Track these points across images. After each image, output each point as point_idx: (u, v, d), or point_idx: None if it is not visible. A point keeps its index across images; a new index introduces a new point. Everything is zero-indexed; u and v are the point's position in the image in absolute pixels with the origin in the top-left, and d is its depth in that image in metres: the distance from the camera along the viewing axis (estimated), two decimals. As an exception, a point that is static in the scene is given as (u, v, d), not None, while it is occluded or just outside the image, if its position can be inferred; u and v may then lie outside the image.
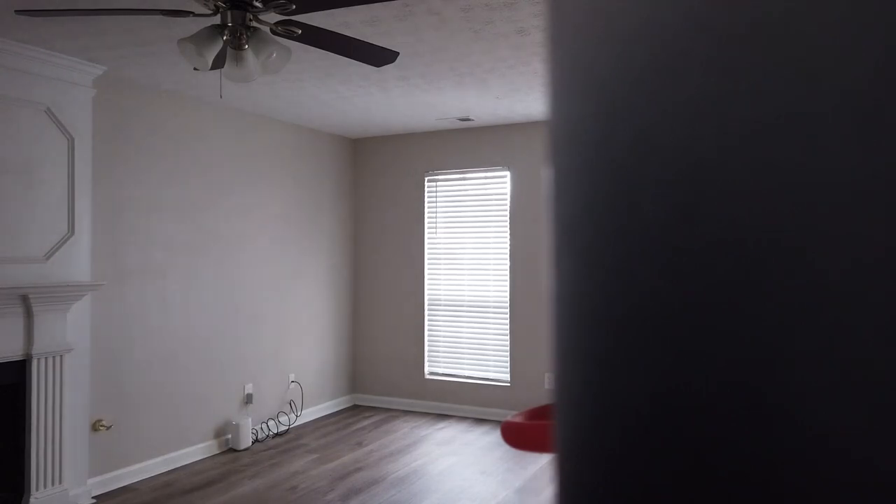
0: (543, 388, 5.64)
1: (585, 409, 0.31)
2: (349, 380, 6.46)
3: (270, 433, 5.38)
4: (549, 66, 0.34)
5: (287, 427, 5.58)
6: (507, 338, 5.84)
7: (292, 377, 5.69)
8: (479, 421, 5.79)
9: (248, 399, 5.21)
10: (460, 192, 6.08)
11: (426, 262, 6.19)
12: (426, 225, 6.19)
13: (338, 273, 6.31)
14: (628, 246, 0.29)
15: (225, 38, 2.44)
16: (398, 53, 2.92)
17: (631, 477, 0.29)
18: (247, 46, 2.47)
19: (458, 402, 6.01)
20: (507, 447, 4.96)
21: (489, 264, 5.91)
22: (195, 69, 2.76)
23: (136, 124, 4.35)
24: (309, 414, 5.88)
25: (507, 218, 5.84)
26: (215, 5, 2.41)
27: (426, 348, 6.19)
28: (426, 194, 6.19)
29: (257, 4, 2.41)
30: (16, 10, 2.58)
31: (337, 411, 6.20)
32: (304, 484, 4.31)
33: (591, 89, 0.31)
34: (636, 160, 0.29)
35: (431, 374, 6.17)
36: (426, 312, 6.18)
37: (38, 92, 3.68)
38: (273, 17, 3.03)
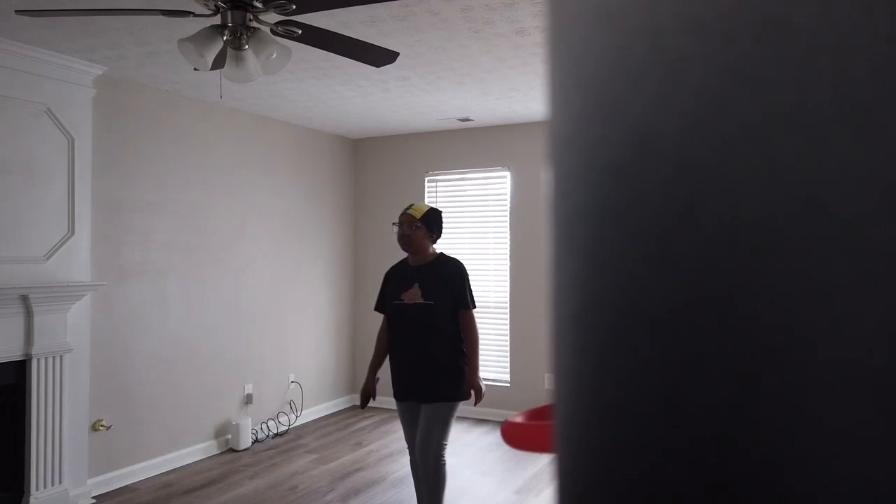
0: (543, 388, 5.64)
1: (585, 409, 0.31)
2: (349, 380, 6.46)
3: (270, 433, 5.38)
4: (549, 67, 0.34)
5: (287, 427, 5.58)
6: (507, 338, 5.83)
7: (292, 377, 5.69)
8: (479, 421, 5.79)
9: (248, 399, 5.21)
10: (460, 192, 6.07)
11: (426, 262, 6.17)
12: (426, 225, 6.18)
13: (338, 273, 6.31)
14: (628, 246, 0.29)
15: (225, 38, 2.45)
16: (398, 53, 2.92)
17: (631, 477, 0.29)
18: (247, 47, 2.47)
19: (458, 402, 6.00)
20: (507, 447, 4.96)
21: (489, 264, 5.91)
22: (195, 69, 2.76)
23: (136, 124, 4.35)
24: (309, 414, 5.88)
25: (507, 218, 5.84)
26: (215, 5, 2.41)
27: (426, 348, 6.17)
28: (426, 194, 6.19)
29: (257, 5, 2.41)
30: (16, 10, 2.58)
31: (337, 411, 6.20)
32: (303, 484, 4.31)
33: (591, 89, 0.31)
34: (636, 160, 0.29)
35: (431, 374, 6.16)
36: (426, 312, 6.17)
37: (38, 92, 3.68)
38: (273, 17, 3.03)
